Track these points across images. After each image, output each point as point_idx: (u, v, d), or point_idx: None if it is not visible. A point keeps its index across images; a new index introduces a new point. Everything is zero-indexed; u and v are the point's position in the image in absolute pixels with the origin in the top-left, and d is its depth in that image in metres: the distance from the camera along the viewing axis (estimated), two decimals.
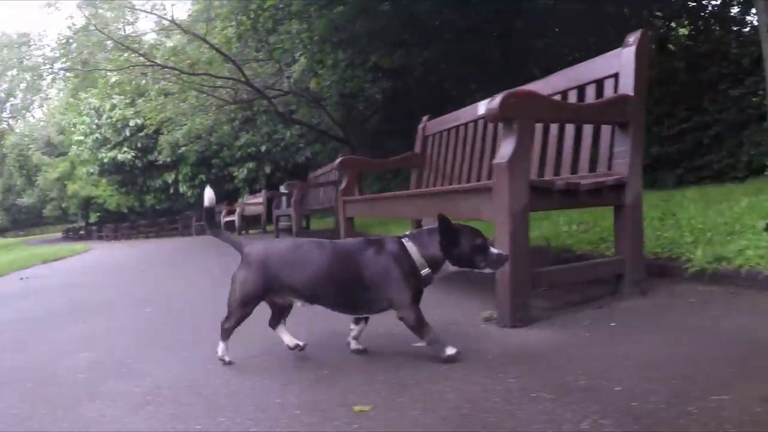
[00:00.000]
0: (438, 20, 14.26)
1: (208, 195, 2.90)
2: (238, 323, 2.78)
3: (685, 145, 11.51)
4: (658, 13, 13.53)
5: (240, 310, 2.72)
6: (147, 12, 18.48)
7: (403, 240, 2.68)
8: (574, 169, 4.02)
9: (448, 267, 2.68)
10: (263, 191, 18.42)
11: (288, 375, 2.68)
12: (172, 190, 27.60)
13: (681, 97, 11.64)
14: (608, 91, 3.80)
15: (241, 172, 24.58)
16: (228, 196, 23.69)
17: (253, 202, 18.92)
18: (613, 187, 3.50)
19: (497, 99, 3.09)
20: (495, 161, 3.14)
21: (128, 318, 4.74)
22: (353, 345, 2.91)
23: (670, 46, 13.42)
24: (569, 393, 2.19)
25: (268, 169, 24.20)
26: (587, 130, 3.96)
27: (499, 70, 14.13)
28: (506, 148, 3.08)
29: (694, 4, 13.18)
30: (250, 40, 16.86)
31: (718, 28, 12.74)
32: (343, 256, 2.64)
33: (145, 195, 29.77)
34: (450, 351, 2.63)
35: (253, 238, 13.49)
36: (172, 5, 21.61)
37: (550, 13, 13.96)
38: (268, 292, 2.72)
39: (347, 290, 2.62)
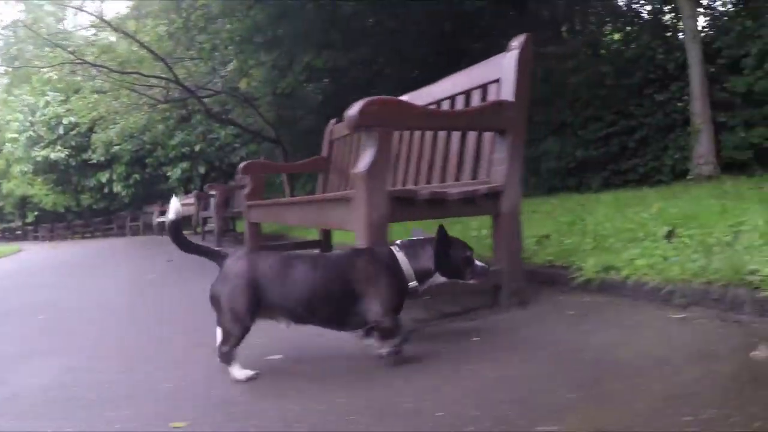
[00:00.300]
0: (366, 21, 14.12)
1: (174, 206, 2.60)
2: (238, 342, 2.47)
3: (611, 149, 11.58)
4: (592, 19, 13.57)
5: (238, 329, 2.44)
6: (76, 8, 17.94)
7: (395, 250, 2.62)
8: (459, 177, 3.88)
9: (437, 279, 2.66)
10: (195, 192, 18.01)
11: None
12: (106, 190, 27.01)
13: (608, 101, 11.70)
14: (491, 97, 3.63)
15: (175, 172, 24.17)
16: (162, 196, 23.24)
17: (185, 203, 18.55)
18: (487, 195, 3.36)
19: (356, 106, 2.89)
20: (353, 171, 2.97)
21: (17, 325, 4.60)
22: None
23: (602, 51, 13.52)
24: (389, 416, 2.04)
25: (202, 169, 23.85)
26: (472, 137, 3.82)
27: (434, 71, 14.00)
28: (365, 158, 2.90)
29: (625, 8, 13.30)
30: (182, 38, 16.50)
31: (647, 34, 12.81)
32: (336, 269, 2.54)
33: (80, 194, 29.10)
34: (397, 349, 2.59)
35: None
36: (102, 2, 20.99)
37: (481, 16, 13.94)
38: (257, 310, 2.48)
39: (339, 304, 2.50)
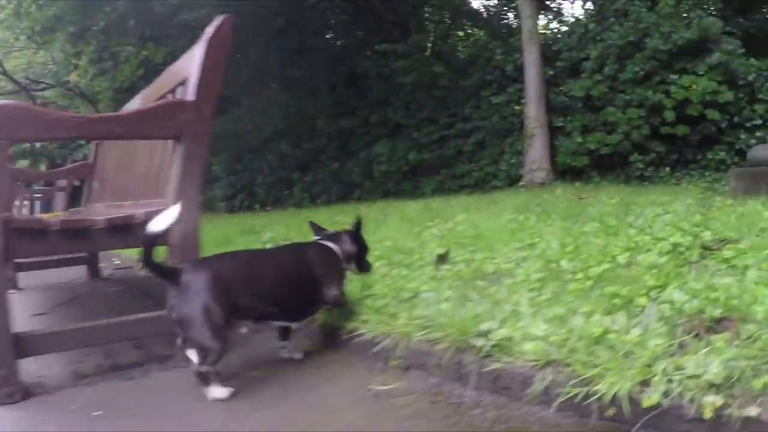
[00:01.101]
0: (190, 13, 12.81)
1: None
2: (219, 358, 2.21)
3: (446, 152, 10.91)
4: (430, 17, 12.85)
5: (219, 343, 2.17)
6: None
7: (322, 242, 2.71)
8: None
9: (351, 266, 2.77)
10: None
11: None
12: None
13: (444, 102, 11.06)
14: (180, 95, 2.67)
15: None
16: None
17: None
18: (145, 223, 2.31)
19: None
20: None
21: None
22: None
23: (439, 50, 12.78)
24: None
25: (43, 166, 21.67)
26: (159, 148, 2.80)
27: (276, 68, 12.95)
28: None
29: (467, 8, 12.70)
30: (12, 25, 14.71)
31: (487, 34, 12.27)
32: (299, 258, 2.58)
33: None
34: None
35: None
36: None
37: (320, 12, 12.91)
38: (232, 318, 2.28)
39: (305, 292, 2.52)
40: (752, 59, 9.88)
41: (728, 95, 9.40)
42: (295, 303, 2.51)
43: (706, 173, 9.45)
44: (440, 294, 2.66)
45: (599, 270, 2.73)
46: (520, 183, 9.85)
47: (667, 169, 9.71)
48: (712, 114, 9.40)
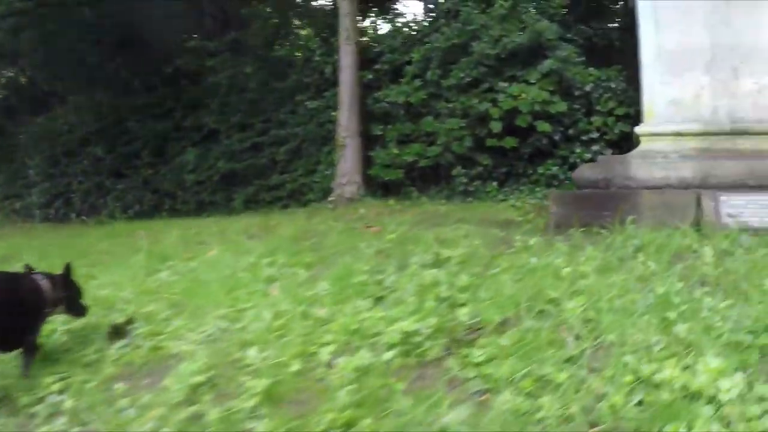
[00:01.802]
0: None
1: None
2: None
3: (259, 161, 9.65)
4: (257, 12, 11.55)
5: None
6: None
7: (37, 278, 2.75)
8: None
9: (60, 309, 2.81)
10: None
11: None
12: None
13: (258, 106, 9.84)
14: None
15: None
16: None
17: None
18: None
19: None
20: None
21: None
22: None
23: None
24: None
25: None
26: None
27: (92, 63, 11.58)
28: None
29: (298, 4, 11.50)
30: None
31: (310, 32, 11.10)
32: (11, 289, 2.64)
33: None
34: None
35: None
36: None
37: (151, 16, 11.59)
38: None
39: (17, 323, 2.60)
40: (591, 68, 8.91)
41: (561, 106, 8.40)
42: (12, 332, 2.59)
43: (537, 189, 8.44)
44: None
45: (270, 381, 2.24)
46: (329, 198, 8.70)
47: (495, 183, 8.66)
48: (543, 126, 8.38)
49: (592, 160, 8.52)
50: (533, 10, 8.92)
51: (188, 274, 4.12)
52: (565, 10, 9.23)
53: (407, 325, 2.57)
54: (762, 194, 5.09)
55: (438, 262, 3.83)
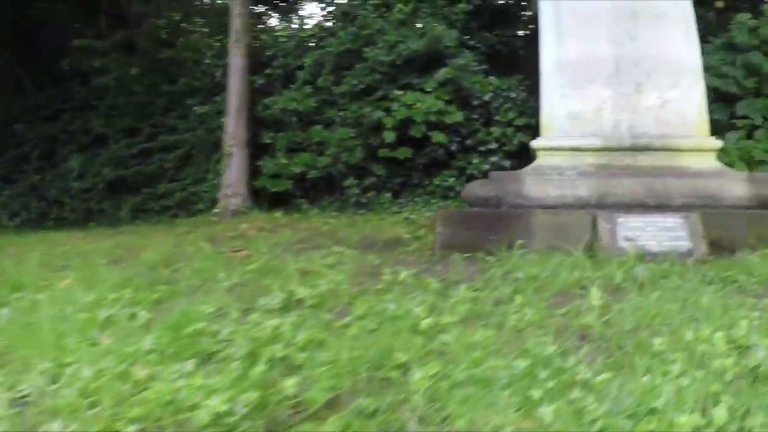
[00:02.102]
0: None
1: None
2: None
3: (148, 168, 9.14)
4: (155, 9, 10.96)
5: None
6: None
7: None
8: None
9: None
10: None
11: None
12: None
13: (146, 110, 9.34)
14: None
15: None
16: None
17: None
18: None
19: None
20: None
21: None
22: None
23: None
24: None
25: None
26: None
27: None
28: None
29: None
30: None
31: (207, 30, 10.60)
32: None
33: None
34: None
35: None
36: None
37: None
38: None
39: None
40: (491, 78, 8.57)
41: (457, 116, 8.05)
42: None
43: (433, 201, 8.10)
44: None
45: None
46: (214, 210, 8.26)
47: (389, 195, 8.28)
48: (438, 136, 8.02)
49: (494, 170, 8.22)
50: (430, 18, 8.56)
51: (28, 313, 3.47)
52: (467, 17, 8.88)
53: (220, 402, 2.05)
54: (661, 215, 4.93)
55: (288, 306, 3.34)
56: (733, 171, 5.83)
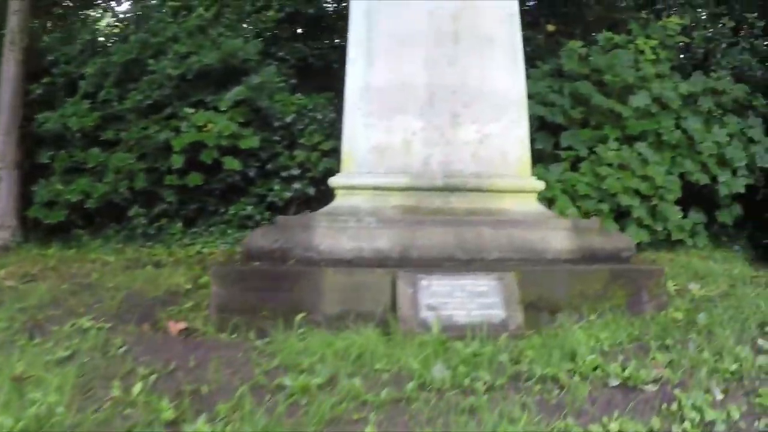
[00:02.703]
0: None
1: None
2: None
3: None
4: None
5: None
6: None
7: None
8: None
9: None
10: None
11: None
12: None
13: None
14: None
15: None
16: None
17: None
18: None
19: None
20: None
21: None
22: None
23: None
24: None
25: None
26: None
27: None
28: None
29: None
30: None
31: None
32: None
33: None
34: None
35: None
36: None
37: None
38: None
39: None
40: (298, 95, 7.78)
41: (253, 141, 7.29)
42: None
43: (229, 231, 7.34)
44: None
45: None
46: None
47: (180, 224, 7.45)
48: (231, 163, 7.23)
49: (298, 198, 7.54)
50: (229, 28, 7.65)
51: None
52: (277, 24, 8.00)
53: None
54: (472, 277, 4.35)
55: None
56: (556, 218, 5.35)
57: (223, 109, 7.24)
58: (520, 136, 5.43)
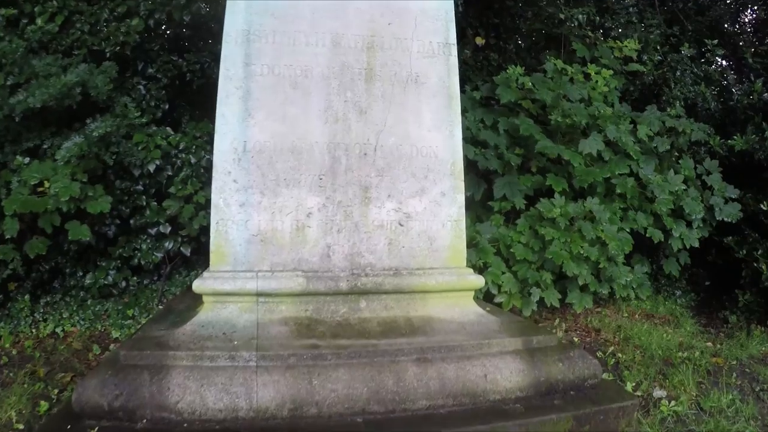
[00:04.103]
0: None
1: None
2: None
3: None
4: None
5: None
6: None
7: None
8: None
9: None
10: None
11: None
12: None
13: None
14: None
15: None
16: None
17: None
18: None
19: None
20: None
21: None
22: None
23: None
24: None
25: None
26: None
27: None
28: None
29: None
30: None
31: None
32: None
33: None
34: None
35: None
36: None
37: None
38: None
39: None
40: (166, 130, 6.06)
41: (103, 204, 5.45)
42: None
43: (89, 302, 5.82)
44: None
45: None
46: None
47: (28, 296, 5.61)
48: (77, 231, 5.36)
49: (173, 258, 5.77)
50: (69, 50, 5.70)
51: None
52: (139, 35, 6.07)
53: None
54: None
55: None
56: (501, 335, 3.87)
57: (59, 158, 5.28)
58: (453, 215, 4.05)
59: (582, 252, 5.49)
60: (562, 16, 6.61)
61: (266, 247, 3.74)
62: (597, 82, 6.09)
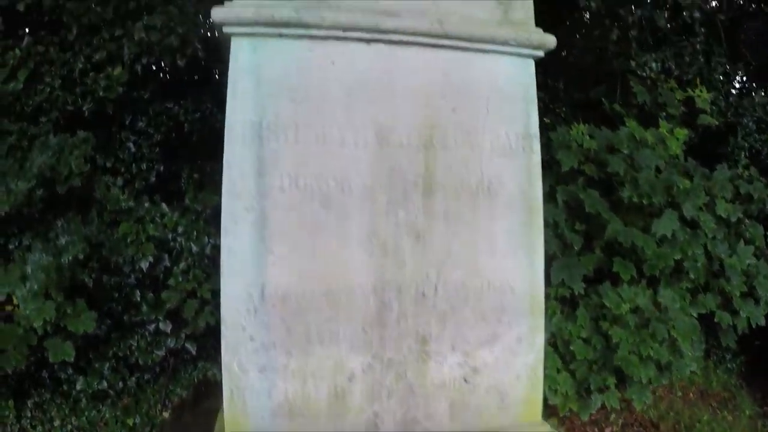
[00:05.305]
0: None
1: None
2: None
3: None
4: None
5: None
6: None
7: None
8: None
9: None
10: None
11: None
12: None
13: None
14: None
15: None
16: None
17: None
18: None
19: None
20: None
21: None
22: None
23: None
24: None
25: None
26: None
27: None
28: None
29: None
30: None
31: None
32: None
33: None
34: None
35: None
36: None
37: None
38: None
39: None
40: (162, 209, 4.96)
41: (86, 323, 4.41)
42: None
43: (82, 406, 4.85)
44: None
45: None
46: None
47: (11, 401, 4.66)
48: (57, 352, 4.37)
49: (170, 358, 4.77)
50: None
51: None
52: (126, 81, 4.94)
53: None
54: None
55: None
56: None
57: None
58: (530, 362, 3.00)
59: (652, 354, 4.48)
60: (632, 64, 5.48)
61: (296, 420, 2.69)
62: (669, 143, 5.01)
